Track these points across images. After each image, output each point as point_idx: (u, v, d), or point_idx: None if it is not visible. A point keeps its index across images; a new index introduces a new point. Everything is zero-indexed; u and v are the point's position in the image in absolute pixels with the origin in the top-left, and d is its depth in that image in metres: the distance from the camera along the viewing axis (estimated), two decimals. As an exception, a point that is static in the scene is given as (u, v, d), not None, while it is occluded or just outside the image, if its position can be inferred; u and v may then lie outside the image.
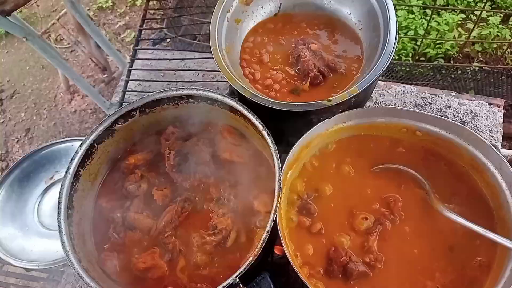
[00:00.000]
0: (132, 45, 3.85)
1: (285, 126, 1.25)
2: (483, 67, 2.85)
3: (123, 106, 1.28)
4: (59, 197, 1.14)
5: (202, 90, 1.26)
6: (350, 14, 1.42)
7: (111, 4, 4.16)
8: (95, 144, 1.24)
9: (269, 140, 1.14)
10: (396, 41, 1.19)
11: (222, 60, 1.24)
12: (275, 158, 1.12)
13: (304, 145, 1.20)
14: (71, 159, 1.19)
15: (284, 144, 1.21)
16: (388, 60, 1.16)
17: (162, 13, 3.63)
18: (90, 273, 1.07)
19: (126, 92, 1.70)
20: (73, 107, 3.46)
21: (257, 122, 1.17)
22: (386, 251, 1.12)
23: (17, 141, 3.36)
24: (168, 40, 3.53)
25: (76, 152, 1.20)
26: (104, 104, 2.65)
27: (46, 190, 1.62)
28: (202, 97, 1.26)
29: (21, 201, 1.57)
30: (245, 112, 1.20)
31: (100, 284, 1.04)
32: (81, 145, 1.21)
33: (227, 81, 1.70)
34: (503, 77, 2.82)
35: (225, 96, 1.23)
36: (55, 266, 1.41)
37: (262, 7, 1.46)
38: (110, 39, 3.77)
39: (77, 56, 3.83)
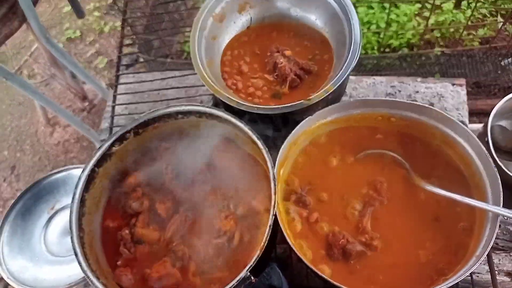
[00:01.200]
0: (106, 71, 3.93)
1: (271, 128, 1.35)
2: (444, 51, 3.02)
3: (114, 130, 1.34)
4: (70, 222, 1.20)
5: (190, 105, 1.34)
6: (316, 19, 1.52)
7: (79, 34, 4.20)
8: (95, 168, 1.30)
9: (259, 143, 1.23)
10: (361, 40, 1.31)
11: (205, 76, 1.33)
12: (267, 159, 1.20)
13: (291, 142, 1.29)
14: (76, 185, 1.25)
15: (272, 144, 1.31)
16: (356, 58, 1.27)
17: (133, 37, 3.70)
18: (109, 288, 1.13)
19: (114, 117, 1.77)
20: (56, 139, 3.48)
21: (245, 128, 1.26)
22: (379, 230, 1.22)
23: (4, 180, 3.35)
24: (142, 61, 3.60)
25: (79, 178, 1.26)
26: (89, 132, 2.70)
27: (49, 220, 1.65)
28: (191, 112, 1.34)
29: (27, 233, 1.61)
30: (233, 120, 1.28)
31: (122, 298, 1.11)
32: (83, 171, 1.27)
33: (210, 94, 1.80)
34: (464, 58, 3.00)
35: (213, 108, 1.32)
36: (71, 289, 1.46)
37: (234, 22, 1.56)
38: (84, 67, 3.80)
39: (52, 89, 3.85)
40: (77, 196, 1.25)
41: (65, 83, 3.18)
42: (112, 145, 1.33)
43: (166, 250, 1.27)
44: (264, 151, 1.22)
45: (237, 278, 1.05)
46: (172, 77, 1.80)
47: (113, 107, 1.76)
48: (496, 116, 1.57)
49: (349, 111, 1.35)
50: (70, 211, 1.22)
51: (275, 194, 1.15)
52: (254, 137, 1.24)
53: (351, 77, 1.76)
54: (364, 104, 1.34)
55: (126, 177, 1.39)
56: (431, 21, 3.13)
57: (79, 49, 4.15)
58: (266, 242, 1.09)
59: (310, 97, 1.24)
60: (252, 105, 1.28)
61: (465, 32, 3.13)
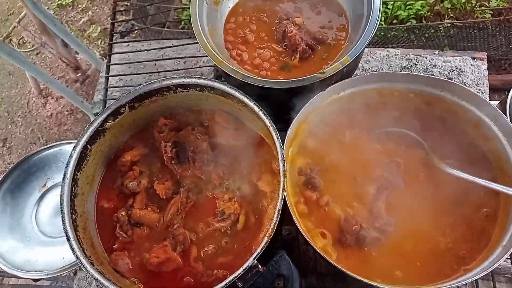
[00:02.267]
0: (100, 40, 3.77)
1: (280, 104, 1.25)
2: (454, 23, 2.89)
3: (109, 103, 1.24)
4: (61, 204, 1.11)
5: (190, 78, 1.23)
6: (329, -17, 1.40)
7: (71, 0, 4.00)
8: (88, 145, 1.20)
9: (267, 120, 1.13)
10: (381, 6, 1.19)
11: (207, 44, 1.22)
12: (275, 137, 1.11)
13: (301, 120, 1.20)
14: (67, 164, 1.16)
15: (281, 122, 1.21)
16: (376, 26, 1.16)
17: (127, 3, 3.52)
18: (106, 275, 1.05)
19: (108, 89, 1.65)
20: (49, 110, 3.36)
21: (251, 104, 1.16)
22: (395, 214, 1.14)
23: (-4, 153, 3.25)
24: (137, 31, 3.44)
25: (71, 156, 1.17)
26: (82, 104, 2.58)
27: (41, 198, 1.57)
28: (191, 85, 1.24)
29: (17, 212, 1.53)
30: (238, 94, 1.18)
31: (118, 284, 1.03)
32: (74, 148, 1.18)
33: (210, 66, 1.69)
34: (475, 31, 2.87)
35: (215, 81, 1.21)
36: (64, 273, 1.38)
37: (239, -15, 1.43)
38: (77, 36, 3.64)
39: (43, 58, 3.70)
40: (68, 175, 1.16)
41: (56, 52, 3.02)
42: (106, 120, 1.23)
43: (166, 233, 1.20)
44: (272, 129, 1.12)
45: (244, 267, 0.98)
46: (170, 46, 1.68)
47: (107, 78, 1.65)
48: (512, 93, 1.47)
49: (364, 86, 1.25)
50: (61, 192, 1.13)
51: (284, 176, 1.06)
52: (261, 114, 1.14)
53: (363, 49, 1.65)
54: (381, 78, 1.23)
55: (121, 155, 1.29)
56: (442, -10, 2.99)
57: (71, 16, 3.97)
58: (275, 228, 1.00)
59: (324, 70, 1.13)
60: (259, 78, 1.17)
61: (477, 4, 2.99)
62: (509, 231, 1.01)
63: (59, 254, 1.43)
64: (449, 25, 2.88)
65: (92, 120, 1.22)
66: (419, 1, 2.97)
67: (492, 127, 1.14)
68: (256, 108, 1.16)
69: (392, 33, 2.98)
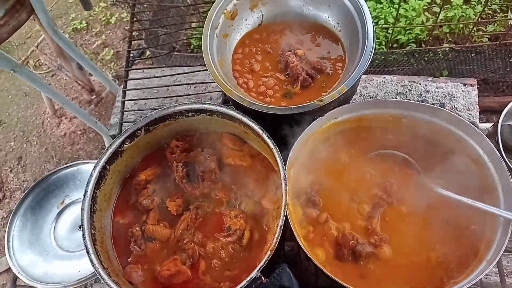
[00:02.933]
0: (113, 63, 3.92)
1: (282, 128, 1.35)
2: (453, 47, 2.98)
3: (124, 125, 1.34)
4: (82, 220, 1.21)
5: (201, 104, 1.34)
6: (328, 17, 1.52)
7: (85, 24, 4.18)
8: (106, 165, 1.30)
9: (270, 143, 1.23)
10: (375, 38, 1.30)
11: (217, 74, 1.33)
12: (278, 159, 1.21)
13: (302, 143, 1.29)
14: (87, 182, 1.26)
15: (284, 144, 1.31)
16: (370, 58, 1.26)
17: (141, 29, 3.69)
18: (121, 286, 1.14)
19: (124, 112, 1.77)
20: (62, 130, 3.49)
21: (256, 128, 1.26)
22: (389, 231, 1.23)
23: (11, 170, 3.37)
24: (148, 54, 3.59)
25: (91, 175, 1.27)
26: (96, 125, 2.70)
27: (59, 214, 1.67)
28: (202, 110, 1.34)
29: (36, 228, 1.63)
30: (244, 119, 1.28)
31: (133, 295, 1.12)
32: (94, 168, 1.28)
33: (219, 91, 1.80)
34: (472, 55, 2.96)
35: (223, 106, 1.31)
36: (80, 284, 1.47)
37: (245, 19, 1.55)
38: (91, 59, 3.80)
39: (58, 80, 3.85)
40: (88, 193, 1.26)
41: (72, 74, 3.17)
42: (123, 142, 1.34)
43: (176, 247, 1.29)
44: (275, 151, 1.22)
45: (248, 278, 1.06)
46: (181, 73, 1.79)
47: (123, 103, 1.76)
48: (506, 116, 1.56)
49: (360, 112, 1.34)
50: (82, 208, 1.23)
51: (286, 194, 1.16)
52: (265, 137, 1.24)
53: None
54: (376, 105, 1.33)
55: (136, 174, 1.39)
56: (441, 16, 3.09)
57: (85, 40, 4.13)
58: (277, 242, 1.09)
59: (323, 98, 1.24)
60: (263, 104, 1.28)
61: (474, 28, 3.09)
62: (493, 247, 1.09)
63: (75, 267, 1.52)
64: (447, 49, 2.98)
65: (111, 143, 1.32)
66: (418, 26, 3.08)
67: (478, 149, 1.23)
68: (260, 132, 1.25)
69: (393, 56, 3.09)
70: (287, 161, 1.25)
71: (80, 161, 1.74)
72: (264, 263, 1.08)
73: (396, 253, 1.19)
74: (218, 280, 1.22)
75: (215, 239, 1.28)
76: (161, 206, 1.35)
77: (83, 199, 1.25)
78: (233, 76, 1.46)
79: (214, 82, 1.34)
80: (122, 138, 1.33)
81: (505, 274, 1.30)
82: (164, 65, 2.62)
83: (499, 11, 3.23)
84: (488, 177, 1.21)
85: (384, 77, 1.71)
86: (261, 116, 1.29)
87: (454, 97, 1.63)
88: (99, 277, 1.13)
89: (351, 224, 1.26)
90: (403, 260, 1.18)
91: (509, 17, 3.16)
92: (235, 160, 1.39)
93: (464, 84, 1.65)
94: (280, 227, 1.12)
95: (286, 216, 1.14)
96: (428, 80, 1.69)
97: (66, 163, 1.78)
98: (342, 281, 1.08)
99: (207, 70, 1.36)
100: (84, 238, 1.19)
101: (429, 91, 1.65)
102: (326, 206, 1.29)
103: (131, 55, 3.35)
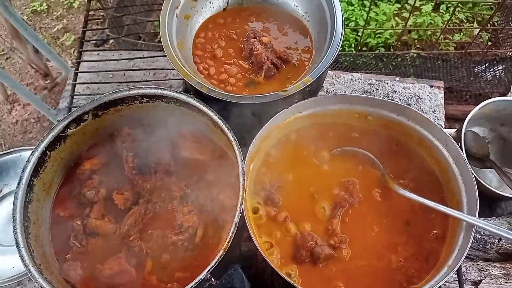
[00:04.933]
0: (73, 49, 3.72)
1: (244, 119, 1.27)
2: (420, 53, 3.01)
3: (73, 110, 1.23)
4: (13, 209, 1.08)
5: (156, 89, 1.24)
6: (297, 6, 1.46)
7: (46, 7, 3.95)
8: (47, 151, 1.18)
9: (230, 134, 1.15)
10: (343, 30, 1.24)
11: (175, 57, 1.23)
12: (237, 152, 1.13)
13: (264, 136, 1.22)
14: (23, 169, 1.13)
15: (244, 137, 1.23)
16: (337, 50, 1.21)
17: (103, 14, 3.51)
18: (55, 285, 1.02)
19: (74, 96, 1.64)
20: (14, 117, 3.26)
21: (215, 117, 1.18)
22: (349, 232, 1.17)
23: (-46, 158, 3.12)
24: (111, 41, 3.42)
25: (28, 161, 1.14)
26: (49, 112, 2.53)
27: (-4, 204, 1.52)
28: (157, 96, 1.24)
29: (-30, 218, 1.47)
30: (203, 108, 1.20)
31: (66, 295, 1.01)
32: (32, 153, 1.15)
33: (180, 79, 1.70)
34: (439, 62, 3.01)
35: (181, 93, 1.22)
36: (13, 282, 1.33)
37: (210, 2, 1.46)
38: (49, 43, 3.58)
39: (13, 63, 3.61)
40: (24, 180, 1.13)
41: (27, 58, 2.96)
42: (67, 126, 1.22)
43: (122, 244, 1.17)
44: (234, 143, 1.14)
45: (196, 280, 0.97)
46: (140, 57, 1.68)
47: (74, 86, 1.63)
48: (469, 122, 1.55)
49: (326, 106, 1.28)
50: (15, 197, 1.11)
51: (243, 190, 1.08)
52: (225, 128, 1.16)
53: (328, 72, 1.70)
54: (342, 100, 1.28)
55: (81, 163, 1.27)
56: (410, 22, 3.12)
57: (45, 23, 3.91)
58: (230, 242, 1.01)
59: (287, 88, 1.16)
60: (223, 92, 1.19)
61: (441, 36, 3.14)
62: (455, 252, 1.05)
63: (9, 263, 1.38)
64: (415, 55, 3.01)
65: (53, 126, 1.20)
66: (388, 30, 3.09)
67: (443, 151, 1.20)
68: (219, 122, 1.17)
69: (362, 59, 3.08)
70: (247, 155, 1.17)
71: (23, 147, 1.59)
72: (215, 264, 0.99)
73: (356, 256, 1.14)
74: (165, 281, 1.13)
75: (165, 237, 1.18)
76: (107, 199, 1.24)
77: (17, 187, 1.12)
78: (194, 61, 1.36)
79: (175, 69, 1.24)
80: (66, 122, 1.21)
81: (464, 281, 1.27)
82: (120, 48, 2.47)
83: (465, 21, 3.30)
84: (452, 180, 1.18)
85: (351, 75, 1.66)
86: (221, 106, 1.20)
87: (420, 98, 1.60)
88: (29, 274, 1.01)
89: (311, 224, 1.19)
90: (362, 263, 1.13)
91: (475, 27, 3.23)
92: (192, 152, 1.29)
93: (431, 86, 1.63)
94: (235, 224, 1.04)
95: (242, 213, 1.06)
96: (395, 80, 1.66)
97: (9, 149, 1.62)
98: (297, 283, 1.02)
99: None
100: (14, 230, 1.07)
101: (396, 91, 1.62)
102: (286, 205, 1.22)
103: (93, 39, 3.20)
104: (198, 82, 1.19)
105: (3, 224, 1.50)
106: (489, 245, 1.37)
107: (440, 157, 1.21)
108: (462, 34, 3.23)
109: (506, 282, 1.28)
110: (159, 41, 1.28)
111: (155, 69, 1.66)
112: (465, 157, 1.15)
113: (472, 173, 1.12)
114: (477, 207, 1.06)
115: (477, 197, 1.07)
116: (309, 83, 1.16)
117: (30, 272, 1.01)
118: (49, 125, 3.23)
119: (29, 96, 2.47)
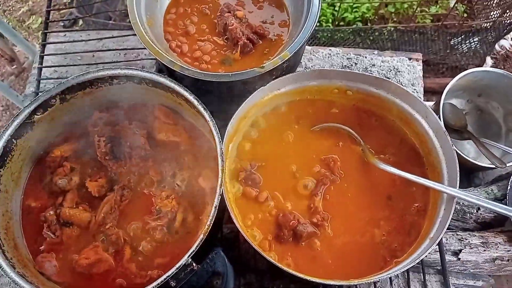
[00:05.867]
0: (40, 32, 3.56)
1: (220, 98, 1.22)
2: (398, 27, 3.00)
3: (39, 95, 1.16)
4: (-21, 202, 1.03)
5: (126, 69, 1.18)
6: (272, -21, 1.40)
7: (9, -12, 3.75)
8: (13, 139, 1.12)
9: (206, 115, 1.11)
10: (320, 3, 1.20)
11: (145, 34, 1.17)
12: (214, 133, 1.09)
13: (241, 116, 1.18)
14: (-12, 159, 1.07)
15: (221, 117, 1.19)
16: (315, 22, 1.16)
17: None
18: (28, 278, 0.98)
19: (41, 81, 1.55)
20: (-20, 105, 3.12)
21: (191, 97, 1.13)
22: (331, 209, 1.16)
23: None
24: (81, 23, 3.28)
25: (-8, 151, 1.08)
26: (17, 99, 2.42)
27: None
28: (128, 77, 1.19)
29: None
30: (177, 88, 1.14)
31: (41, 288, 0.97)
32: (-4, 142, 1.09)
33: (153, 59, 1.63)
34: (416, 35, 3.00)
35: (153, 73, 1.17)
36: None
37: (181, -25, 1.39)
38: (14, 27, 3.41)
39: (-24, 48, 3.43)
40: (-11, 171, 1.07)
41: (-10, 42, 2.82)
42: (34, 112, 1.15)
43: (98, 233, 1.14)
44: (212, 124, 1.10)
45: (177, 265, 0.95)
46: (110, 37, 1.60)
47: (40, 70, 1.55)
48: (447, 94, 1.55)
49: (304, 82, 1.25)
50: (-20, 189, 1.04)
51: (222, 171, 1.04)
52: (201, 108, 1.12)
53: (306, 47, 1.66)
54: (321, 75, 1.24)
55: (51, 150, 1.21)
56: (386, -5, 3.09)
57: (9, 5, 3.71)
58: (211, 225, 0.98)
59: (264, 64, 1.12)
60: (198, 70, 1.14)
61: (418, 9, 3.12)
62: (436, 224, 1.05)
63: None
64: (392, 28, 2.99)
65: (18, 113, 1.14)
66: (365, 4, 3.05)
67: (423, 124, 1.18)
68: (195, 102, 1.13)
69: (339, 34, 3.05)
70: (225, 135, 1.14)
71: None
72: (196, 248, 0.96)
73: (339, 232, 1.13)
74: (146, 268, 1.10)
75: (143, 223, 1.14)
76: (81, 187, 1.19)
77: (-18, 179, 1.06)
78: (165, 39, 1.30)
79: (146, 48, 1.18)
80: (32, 107, 1.14)
81: (445, 251, 1.28)
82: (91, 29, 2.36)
83: (441, -7, 3.29)
84: (432, 152, 1.17)
85: (330, 49, 1.62)
86: (197, 86, 1.15)
87: (399, 71, 1.58)
88: (0, 270, 0.96)
89: (293, 203, 1.17)
90: (346, 240, 1.12)
91: (450, -1, 3.22)
92: (168, 134, 1.24)
93: (410, 59, 1.61)
94: (215, 207, 1.01)
95: (222, 195, 1.03)
96: (374, 53, 1.63)
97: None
98: (282, 264, 1.00)
99: (137, 34, 1.19)
100: (-19, 224, 1.02)
101: (374, 65, 1.59)
102: (267, 185, 1.19)
103: (62, 18, 3.05)
104: (170, 61, 1.13)
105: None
106: (468, 215, 1.38)
107: (420, 130, 1.20)
108: (438, 6, 3.21)
109: (484, 250, 1.30)
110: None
111: (125, 49, 1.58)
112: (445, 129, 1.14)
113: (452, 144, 1.11)
114: (458, 178, 1.06)
115: (458, 169, 1.07)
116: (286, 58, 1.12)
117: (0, 267, 0.96)
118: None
119: (-6, 82, 2.35)
